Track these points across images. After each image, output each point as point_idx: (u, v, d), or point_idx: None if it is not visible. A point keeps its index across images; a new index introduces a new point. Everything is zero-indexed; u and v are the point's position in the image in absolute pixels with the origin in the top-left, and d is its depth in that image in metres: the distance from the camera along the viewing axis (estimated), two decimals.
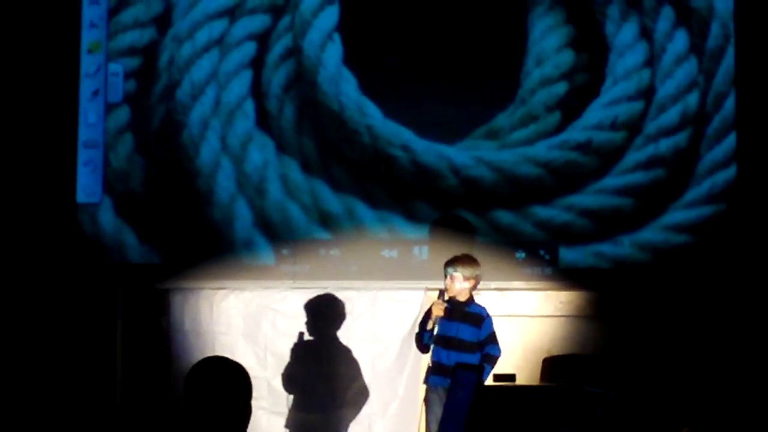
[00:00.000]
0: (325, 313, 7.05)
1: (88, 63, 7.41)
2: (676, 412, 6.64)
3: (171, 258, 7.32)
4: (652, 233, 7.07)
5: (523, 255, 7.10)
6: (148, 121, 7.46)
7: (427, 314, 6.14)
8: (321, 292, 7.10)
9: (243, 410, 3.19)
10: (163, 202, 7.39)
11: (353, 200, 7.27)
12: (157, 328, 7.29)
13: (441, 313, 6.04)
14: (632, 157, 7.14)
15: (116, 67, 7.41)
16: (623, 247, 7.06)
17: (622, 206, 7.11)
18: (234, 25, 7.45)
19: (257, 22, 7.45)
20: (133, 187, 7.41)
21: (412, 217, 7.22)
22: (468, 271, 6.11)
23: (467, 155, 7.21)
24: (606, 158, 7.16)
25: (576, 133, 7.18)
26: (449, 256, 6.22)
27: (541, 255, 7.10)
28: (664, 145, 7.13)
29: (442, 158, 7.21)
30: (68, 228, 7.31)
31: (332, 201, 7.28)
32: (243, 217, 7.32)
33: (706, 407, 6.67)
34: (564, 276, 7.08)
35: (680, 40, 7.19)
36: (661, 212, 7.07)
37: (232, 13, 7.45)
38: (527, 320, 7.15)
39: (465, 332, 6.08)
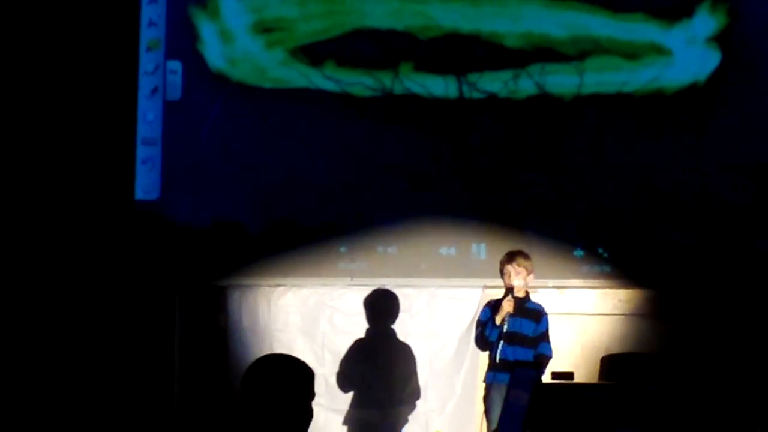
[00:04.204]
0: (382, 310, 7.02)
1: (146, 61, 7.41)
2: (737, 412, 6.59)
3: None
4: None
5: (581, 253, 7.01)
6: None
7: (490, 312, 6.19)
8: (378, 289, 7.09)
9: (305, 408, 3.14)
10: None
11: None
12: (214, 325, 7.29)
13: (512, 310, 6.09)
14: None
15: (175, 65, 7.38)
16: None
17: None
18: None
19: None
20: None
21: None
22: (530, 264, 6.21)
23: None
24: None
25: None
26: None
27: (600, 252, 7.01)
28: None
29: None
30: (126, 225, 7.32)
31: None
32: None
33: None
34: (623, 274, 6.99)
35: None
36: None
37: None
38: (586, 318, 7.10)
39: (527, 328, 6.16)
